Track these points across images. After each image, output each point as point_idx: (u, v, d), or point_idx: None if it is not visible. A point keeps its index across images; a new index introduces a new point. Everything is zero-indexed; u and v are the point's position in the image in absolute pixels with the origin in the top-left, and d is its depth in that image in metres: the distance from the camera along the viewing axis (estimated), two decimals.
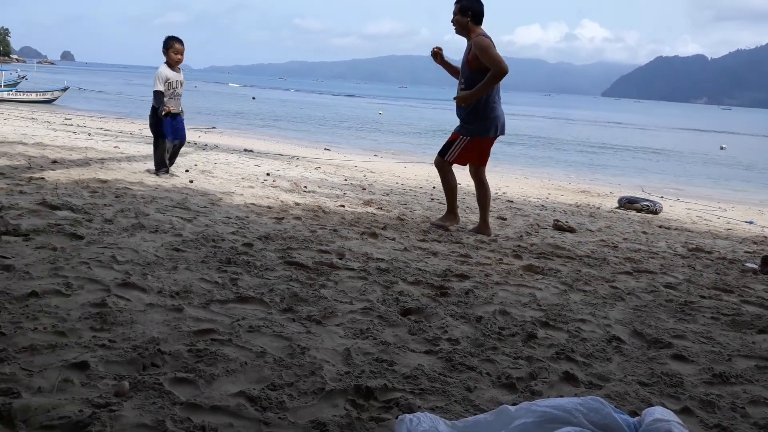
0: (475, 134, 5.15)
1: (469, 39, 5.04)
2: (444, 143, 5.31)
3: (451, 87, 5.45)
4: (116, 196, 4.91)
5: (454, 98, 5.10)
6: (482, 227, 5.27)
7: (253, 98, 52.83)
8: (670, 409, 1.87)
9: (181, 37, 6.68)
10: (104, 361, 2.03)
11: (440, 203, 7.17)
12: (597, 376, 2.37)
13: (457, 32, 5.09)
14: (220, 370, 2.07)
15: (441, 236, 4.88)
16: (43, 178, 5.37)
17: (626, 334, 2.89)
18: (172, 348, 2.18)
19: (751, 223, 9.39)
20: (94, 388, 1.86)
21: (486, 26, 5.10)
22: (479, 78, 4.94)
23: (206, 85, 75.59)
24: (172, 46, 6.53)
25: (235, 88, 77.39)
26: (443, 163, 5.31)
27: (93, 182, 5.49)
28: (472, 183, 5.46)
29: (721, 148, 31.94)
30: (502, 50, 5.07)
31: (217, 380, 2.01)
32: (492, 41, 4.98)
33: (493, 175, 14.35)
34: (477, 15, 5.00)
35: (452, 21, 5.07)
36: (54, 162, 6.59)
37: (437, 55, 5.29)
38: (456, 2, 5.02)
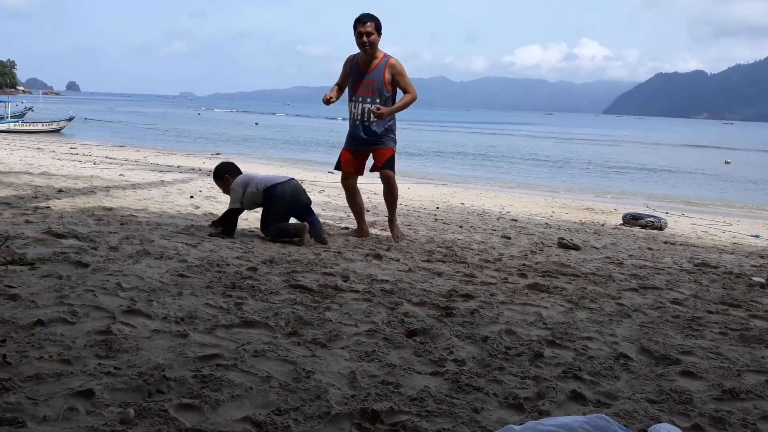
0: (394, 146, 5.43)
1: (375, 57, 5.17)
2: (386, 161, 5.36)
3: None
4: (121, 224, 4.93)
5: (377, 111, 5.11)
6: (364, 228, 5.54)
7: (256, 124, 53.25)
8: (680, 427, 1.85)
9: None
10: (109, 388, 2.03)
11: (444, 223, 7.18)
12: (605, 394, 2.35)
13: (368, 51, 5.15)
14: (225, 396, 2.06)
15: (445, 257, 4.87)
16: (48, 207, 5.40)
17: (633, 351, 2.87)
18: (177, 374, 2.18)
19: (757, 236, 9.35)
20: (99, 416, 1.85)
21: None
22: (393, 96, 5.25)
23: (205, 111, 76.31)
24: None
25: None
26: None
27: (98, 210, 5.53)
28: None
29: (726, 163, 31.94)
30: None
31: (222, 406, 2.00)
32: None
33: (497, 194, 14.40)
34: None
35: (367, 41, 5.09)
36: (60, 191, 6.64)
37: (330, 101, 5.38)
38: (369, 21, 5.08)
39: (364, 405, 2.07)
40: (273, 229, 4.92)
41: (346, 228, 5.96)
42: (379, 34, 5.14)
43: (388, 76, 5.19)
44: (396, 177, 5.45)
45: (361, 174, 5.57)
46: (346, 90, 5.42)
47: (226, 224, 4.96)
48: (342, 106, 5.38)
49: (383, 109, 5.12)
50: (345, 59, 5.45)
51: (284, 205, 4.98)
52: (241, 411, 1.98)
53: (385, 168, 5.37)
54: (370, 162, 5.51)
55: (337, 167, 5.57)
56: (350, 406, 2.06)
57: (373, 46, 5.14)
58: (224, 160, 5.39)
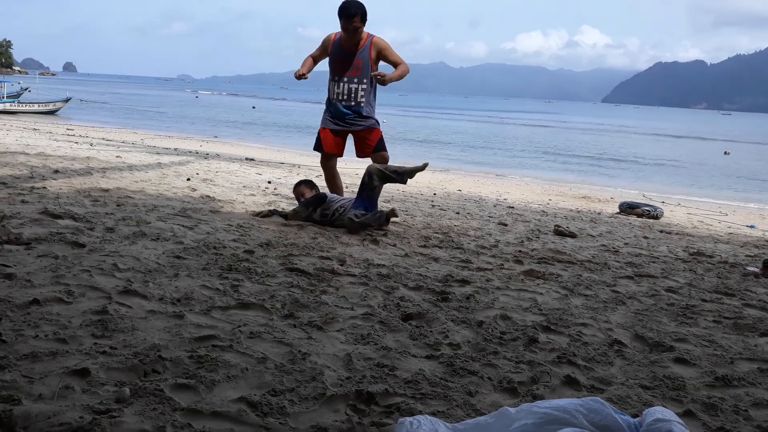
0: (378, 126, 5.46)
1: (360, 39, 5.15)
2: (377, 142, 5.37)
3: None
4: (118, 205, 4.92)
5: (379, 75, 5.09)
6: None
7: (253, 107, 53.05)
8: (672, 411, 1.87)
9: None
10: (105, 367, 2.03)
11: (440, 209, 7.18)
12: (599, 379, 2.37)
13: (354, 38, 5.13)
14: (221, 376, 2.07)
15: (442, 242, 4.88)
16: (45, 188, 5.38)
17: (628, 338, 2.88)
18: (173, 354, 2.18)
19: (752, 227, 9.38)
20: (94, 395, 1.86)
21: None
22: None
23: (203, 94, 75.94)
24: None
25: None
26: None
27: (95, 191, 5.51)
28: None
29: (725, 153, 31.99)
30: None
31: (218, 386, 2.01)
32: None
33: (494, 181, 14.40)
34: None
35: (354, 30, 5.06)
36: (56, 171, 6.61)
37: (302, 76, 5.33)
38: (355, 16, 5.00)
39: (359, 387, 2.08)
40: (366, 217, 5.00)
41: None
42: (364, 22, 5.09)
43: (374, 55, 5.19)
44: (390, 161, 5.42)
45: (341, 156, 5.56)
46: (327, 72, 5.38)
47: (312, 201, 5.08)
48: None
49: (387, 75, 5.09)
50: (326, 36, 5.36)
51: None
52: (237, 391, 1.99)
53: (380, 150, 5.36)
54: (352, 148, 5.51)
55: (317, 148, 5.51)
56: (345, 387, 2.07)
57: (359, 32, 5.12)
58: (306, 179, 5.71)
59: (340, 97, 5.27)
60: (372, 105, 5.36)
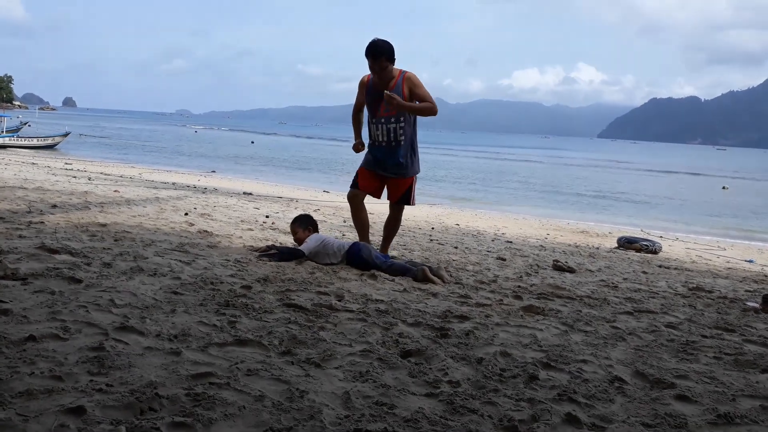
0: (417, 172, 5.38)
1: (391, 77, 5.04)
2: (404, 193, 5.32)
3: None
4: (115, 240, 4.91)
5: (392, 98, 4.91)
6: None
7: (252, 142, 53.41)
8: None
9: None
10: (101, 405, 2.00)
11: (439, 244, 7.18)
12: (600, 417, 2.34)
13: (384, 77, 5.03)
14: (218, 414, 2.04)
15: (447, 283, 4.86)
16: (42, 222, 5.38)
17: (628, 375, 2.86)
18: (169, 392, 2.16)
19: (751, 261, 9.39)
20: None
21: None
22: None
23: (202, 130, 76.43)
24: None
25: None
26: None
27: (92, 226, 5.51)
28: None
29: (723, 188, 32.18)
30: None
31: (215, 424, 1.98)
32: None
33: (492, 215, 14.43)
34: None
35: (381, 70, 4.99)
36: (54, 206, 6.62)
37: (361, 146, 5.40)
38: (380, 56, 4.93)
39: (358, 426, 2.05)
40: (396, 266, 4.83)
41: None
42: (392, 61, 5.00)
43: (407, 91, 5.02)
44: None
45: (378, 198, 5.47)
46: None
47: (286, 254, 4.93)
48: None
49: (396, 98, 4.92)
50: (360, 79, 5.28)
51: (373, 250, 5.01)
52: (234, 430, 1.96)
53: (400, 202, 5.34)
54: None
55: (354, 185, 5.37)
56: (344, 426, 2.04)
57: (388, 71, 5.02)
58: (305, 214, 5.59)
59: (381, 138, 5.14)
60: (412, 145, 5.22)
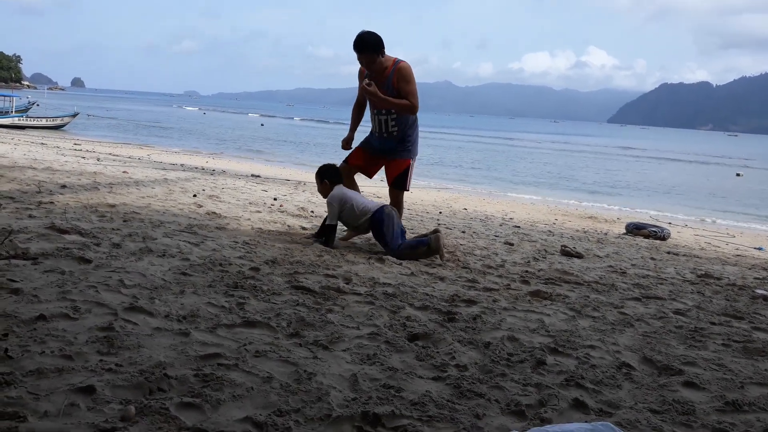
0: (416, 155, 5.32)
1: (384, 68, 4.97)
2: (399, 175, 5.23)
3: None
4: (124, 221, 4.93)
5: (370, 87, 4.91)
6: None
7: (262, 125, 53.36)
8: None
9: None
10: (111, 385, 2.02)
11: (446, 228, 7.16)
12: (607, 403, 2.34)
13: (375, 69, 4.97)
14: (226, 395, 2.05)
15: (448, 261, 4.86)
16: (52, 203, 5.40)
17: (636, 361, 2.85)
18: (178, 372, 2.17)
19: (760, 249, 9.33)
20: (100, 413, 1.85)
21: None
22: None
23: (210, 111, 76.29)
24: None
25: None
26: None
27: (101, 206, 5.53)
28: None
29: (737, 175, 31.93)
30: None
31: (223, 405, 2.00)
32: None
33: (500, 200, 14.39)
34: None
35: (368, 64, 4.94)
36: (63, 186, 6.64)
37: (349, 144, 5.32)
38: (365, 52, 4.88)
39: (366, 408, 2.06)
40: (405, 246, 4.81)
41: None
42: (380, 53, 4.92)
43: (396, 82, 4.98)
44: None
45: (369, 177, 5.49)
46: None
47: (326, 237, 4.95)
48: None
49: (371, 90, 4.90)
50: (358, 71, 5.19)
51: (396, 222, 4.95)
52: (242, 411, 1.97)
53: (395, 186, 5.27)
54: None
55: (345, 160, 5.39)
56: (351, 409, 2.05)
57: (377, 64, 4.95)
58: (329, 163, 5.31)
59: (374, 129, 5.18)
60: (408, 133, 5.16)
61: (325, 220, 5.04)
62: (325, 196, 5.14)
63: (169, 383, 2.08)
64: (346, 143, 5.31)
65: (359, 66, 5.10)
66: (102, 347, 2.33)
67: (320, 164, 5.33)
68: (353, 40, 4.95)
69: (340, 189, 5.05)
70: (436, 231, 4.97)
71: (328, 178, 5.15)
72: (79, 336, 2.41)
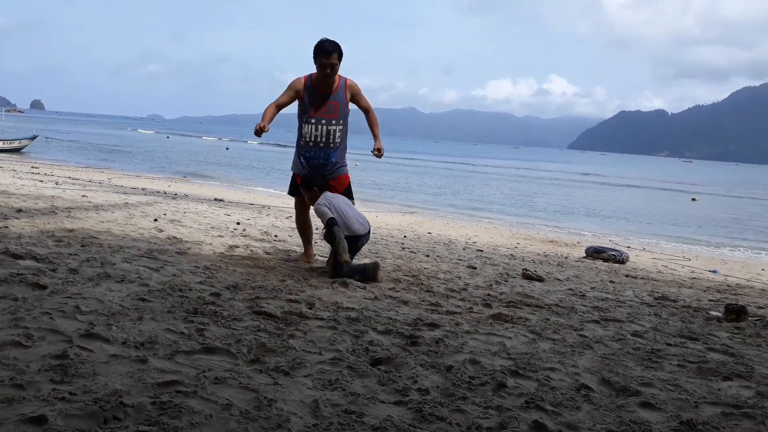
0: (347, 171, 5.49)
1: (334, 81, 5.16)
2: (345, 191, 5.36)
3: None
4: (82, 246, 4.82)
5: (378, 151, 5.31)
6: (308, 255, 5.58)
7: (227, 149, 52.99)
8: None
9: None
10: (63, 414, 1.97)
11: (411, 252, 7.20)
12: (566, 424, 2.37)
13: (330, 78, 5.12)
14: (184, 423, 2.01)
15: (411, 285, 4.88)
16: (6, 227, 5.26)
17: (595, 383, 2.90)
18: (135, 400, 2.12)
19: (714, 272, 9.60)
20: None
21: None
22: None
23: (173, 135, 75.46)
24: None
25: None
26: None
27: (59, 231, 5.40)
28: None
29: (693, 200, 32.89)
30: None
31: None
32: None
33: (463, 224, 14.52)
34: None
35: (333, 69, 5.07)
36: (19, 210, 6.48)
37: (263, 129, 5.13)
38: (333, 52, 5.00)
39: None
40: (349, 268, 4.82)
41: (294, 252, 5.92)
42: (341, 60, 5.11)
43: (348, 97, 5.22)
44: (361, 204, 5.42)
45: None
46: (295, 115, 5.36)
47: (336, 237, 4.89)
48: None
49: (382, 148, 5.33)
50: (292, 81, 5.24)
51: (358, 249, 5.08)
52: None
53: (350, 198, 5.39)
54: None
55: (292, 192, 5.47)
56: None
57: (336, 71, 5.11)
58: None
59: (318, 140, 5.16)
60: (345, 148, 5.37)
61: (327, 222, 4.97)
62: (313, 203, 5.17)
63: (125, 411, 2.04)
64: (260, 131, 5.00)
65: (296, 77, 5.23)
66: (55, 375, 2.27)
67: (285, 188, 5.31)
68: (321, 43, 5.03)
69: (326, 196, 5.11)
70: (376, 264, 4.96)
71: (297, 193, 5.24)
72: (31, 364, 2.35)
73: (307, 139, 5.21)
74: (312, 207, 5.25)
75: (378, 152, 5.29)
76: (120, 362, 2.49)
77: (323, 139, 5.18)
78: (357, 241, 5.02)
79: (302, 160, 5.28)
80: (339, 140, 5.23)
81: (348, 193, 5.37)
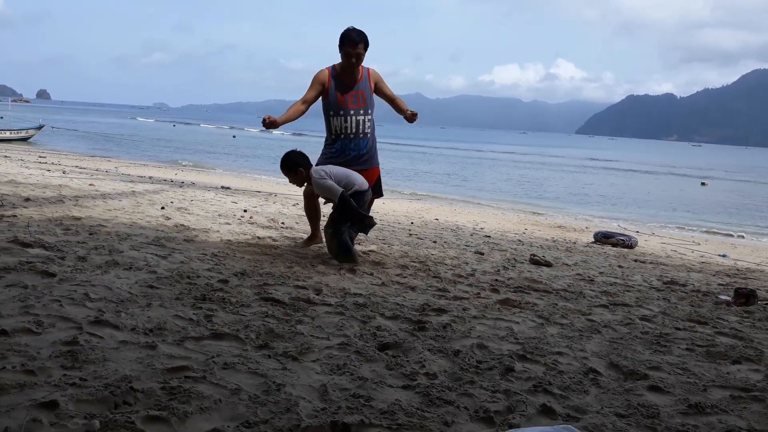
0: (379, 163, 5.44)
1: (358, 70, 5.09)
2: (374, 185, 5.29)
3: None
4: (90, 233, 4.85)
5: (413, 115, 5.24)
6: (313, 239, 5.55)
7: (234, 137, 53.00)
8: None
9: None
10: (74, 400, 1.98)
11: (418, 238, 7.19)
12: (574, 408, 2.37)
13: (356, 68, 5.06)
14: (193, 408, 2.03)
15: (419, 271, 4.88)
16: (15, 216, 5.29)
17: (603, 367, 2.90)
18: (144, 386, 2.14)
19: (724, 256, 9.55)
20: (63, 428, 1.81)
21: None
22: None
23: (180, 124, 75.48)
24: None
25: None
26: None
27: (67, 219, 5.43)
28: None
29: (702, 185, 32.68)
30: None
31: (190, 418, 1.97)
32: None
33: (471, 210, 14.49)
34: None
35: (359, 59, 5.00)
36: (27, 199, 6.51)
37: (273, 124, 4.92)
38: (360, 43, 4.94)
39: (335, 418, 2.05)
40: (345, 239, 4.84)
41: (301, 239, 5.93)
42: (367, 49, 5.04)
43: (373, 85, 5.18)
44: None
45: None
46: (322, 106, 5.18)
47: (348, 208, 4.78)
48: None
49: (416, 112, 5.28)
50: (316, 74, 5.12)
51: (362, 212, 4.90)
52: (210, 423, 1.95)
53: (375, 194, 5.31)
54: None
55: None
56: (320, 419, 2.05)
57: (360, 62, 5.04)
58: (291, 152, 5.08)
59: (349, 131, 5.09)
60: (375, 139, 5.33)
61: (335, 202, 4.84)
62: (301, 185, 5.07)
63: (135, 396, 2.05)
64: (269, 121, 4.86)
65: (319, 69, 5.17)
66: (66, 361, 2.28)
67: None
68: (348, 32, 4.96)
69: (317, 169, 4.93)
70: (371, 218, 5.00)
71: (302, 166, 4.96)
72: (42, 351, 2.36)
73: (338, 131, 5.13)
74: (312, 186, 5.02)
75: (413, 115, 5.22)
76: (129, 348, 2.50)
77: (353, 130, 5.12)
78: (363, 196, 4.94)
79: (331, 153, 5.16)
80: (369, 131, 5.18)
81: (377, 187, 5.33)
